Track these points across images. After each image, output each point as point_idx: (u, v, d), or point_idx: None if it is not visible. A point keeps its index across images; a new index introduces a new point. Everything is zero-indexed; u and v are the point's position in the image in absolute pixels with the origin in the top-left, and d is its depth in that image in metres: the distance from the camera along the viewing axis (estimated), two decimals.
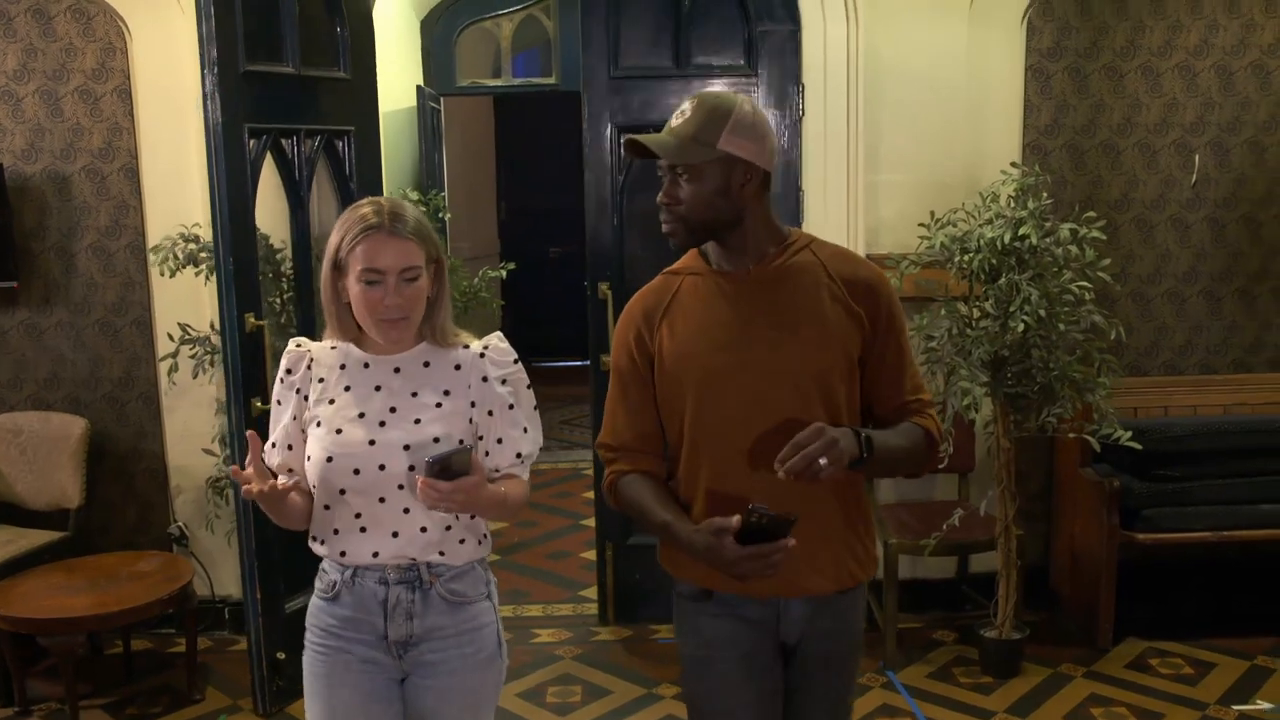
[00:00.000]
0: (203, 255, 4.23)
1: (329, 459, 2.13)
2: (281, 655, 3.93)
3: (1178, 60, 4.63)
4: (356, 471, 2.12)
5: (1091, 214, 4.01)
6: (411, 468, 2.11)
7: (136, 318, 4.62)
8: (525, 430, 2.25)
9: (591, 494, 5.78)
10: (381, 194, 4.49)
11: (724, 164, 2.09)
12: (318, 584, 2.27)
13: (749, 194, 2.12)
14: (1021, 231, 3.81)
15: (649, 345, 2.20)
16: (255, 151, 3.76)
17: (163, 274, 4.23)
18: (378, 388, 2.17)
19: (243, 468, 2.09)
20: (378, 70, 4.40)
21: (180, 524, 4.69)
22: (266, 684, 3.93)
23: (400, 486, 2.13)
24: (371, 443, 2.13)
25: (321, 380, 2.20)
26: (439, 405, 2.17)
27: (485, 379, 2.20)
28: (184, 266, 4.20)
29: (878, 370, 2.18)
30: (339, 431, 2.14)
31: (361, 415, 2.15)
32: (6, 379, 4.65)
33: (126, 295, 4.61)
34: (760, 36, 4.41)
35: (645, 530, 2.23)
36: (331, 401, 2.18)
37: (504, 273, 5.72)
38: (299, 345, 2.25)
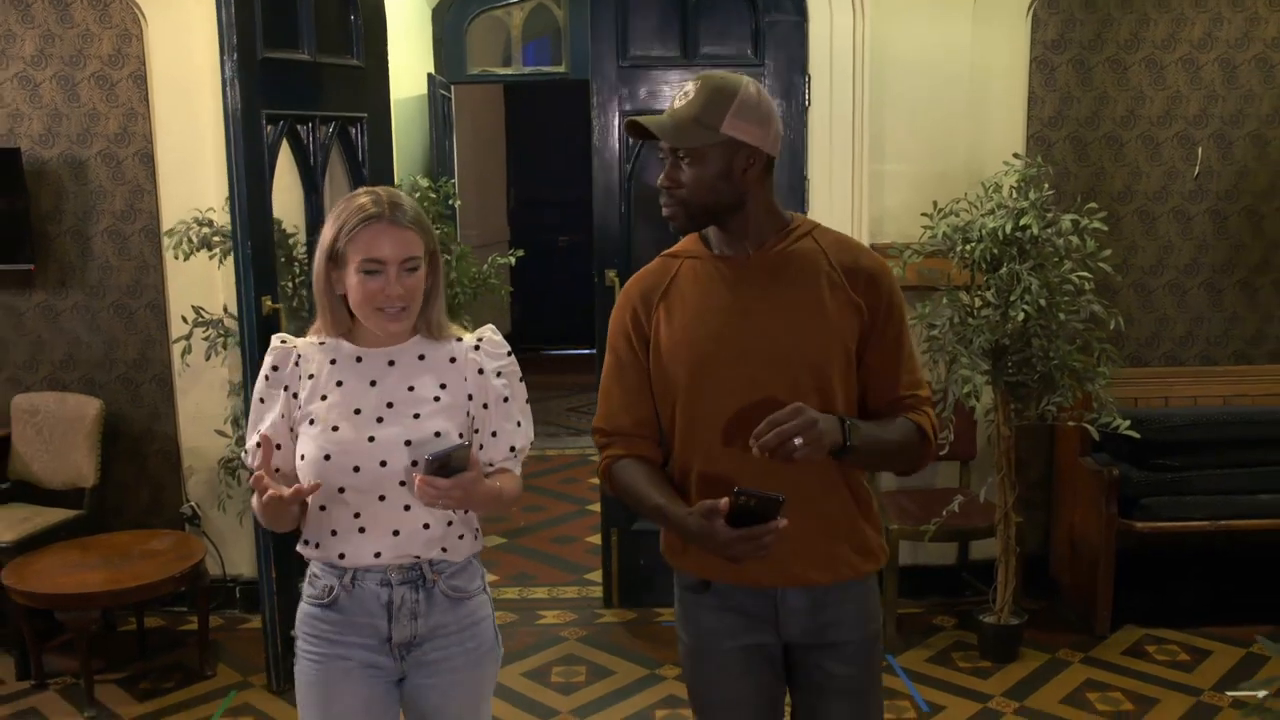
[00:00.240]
0: (216, 239, 4.30)
1: (326, 457, 2.07)
2: (295, 633, 4.00)
3: (1181, 53, 4.67)
4: (356, 469, 2.07)
5: (1093, 205, 4.05)
6: (415, 463, 2.07)
7: (151, 300, 4.70)
8: (519, 424, 2.21)
9: (597, 480, 5.85)
10: (393, 181, 4.57)
11: (726, 148, 2.04)
12: (308, 590, 2.19)
13: (751, 178, 2.08)
14: (1023, 222, 3.86)
15: (645, 329, 2.17)
16: (272, 137, 3.83)
17: (177, 257, 4.29)
18: (373, 383, 2.12)
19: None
20: (389, 58, 4.46)
21: (192, 504, 4.76)
22: (280, 662, 4.00)
23: (402, 483, 2.08)
24: (371, 439, 2.07)
25: (311, 376, 2.13)
26: (436, 399, 2.13)
27: (481, 371, 2.17)
28: (198, 250, 4.27)
29: (874, 362, 2.13)
30: (335, 429, 2.08)
31: (358, 411, 2.09)
32: (24, 360, 4.73)
33: (141, 278, 4.69)
34: (767, 27, 4.45)
35: (640, 514, 2.19)
36: (324, 398, 2.11)
37: (513, 259, 5.76)
38: (284, 341, 2.18)
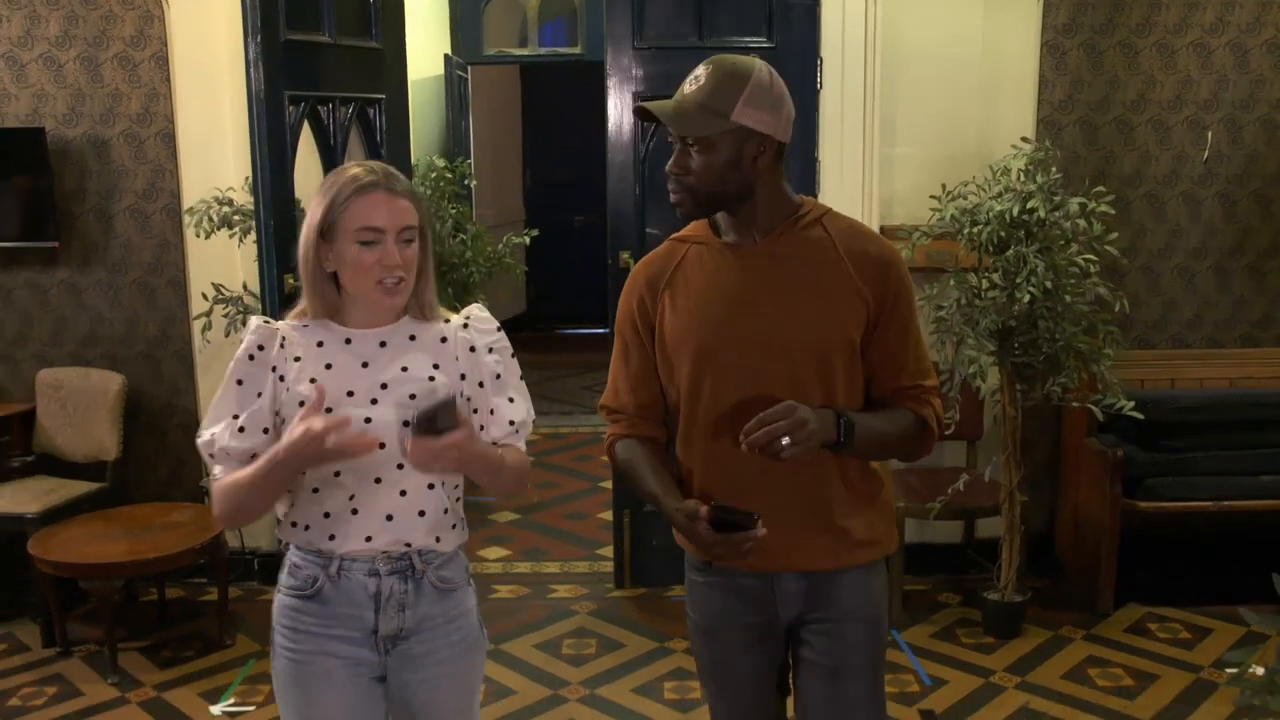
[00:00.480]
0: (236, 218, 4.38)
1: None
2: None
3: (1193, 37, 4.70)
4: (383, 446, 2.00)
5: (1100, 189, 4.09)
6: (406, 423, 1.99)
7: (171, 278, 4.79)
8: (512, 400, 2.16)
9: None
10: (410, 162, 4.64)
11: (736, 135, 2.00)
12: (288, 580, 2.11)
13: (762, 166, 2.05)
14: (1030, 205, 3.91)
15: (650, 314, 2.17)
16: (294, 118, 3.89)
17: (198, 235, 4.38)
18: (365, 364, 2.05)
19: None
20: (406, 39, 4.52)
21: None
22: None
23: (400, 466, 2.02)
24: (367, 420, 2.00)
25: (298, 359, 2.05)
26: (431, 379, 2.07)
27: (473, 349, 2.13)
28: (219, 229, 4.35)
29: (879, 351, 2.10)
30: (329, 411, 1.98)
31: (350, 393, 2.02)
32: (48, 336, 4.83)
33: (162, 256, 4.78)
34: (781, 10, 4.49)
35: (638, 495, 2.23)
36: (313, 381, 2.02)
37: (528, 239, 5.84)
38: (267, 322, 2.09)
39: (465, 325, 2.14)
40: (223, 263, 4.63)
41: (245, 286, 4.50)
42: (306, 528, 2.06)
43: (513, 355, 2.20)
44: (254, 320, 2.10)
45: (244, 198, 4.42)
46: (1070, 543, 4.80)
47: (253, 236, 4.31)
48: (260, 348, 2.05)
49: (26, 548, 4.17)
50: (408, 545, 2.06)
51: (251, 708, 3.91)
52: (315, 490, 2.03)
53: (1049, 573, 4.81)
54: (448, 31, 6.84)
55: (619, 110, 4.54)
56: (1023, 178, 4.07)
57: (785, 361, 2.06)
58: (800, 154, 4.50)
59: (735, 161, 2.03)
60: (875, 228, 4.52)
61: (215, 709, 3.89)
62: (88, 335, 4.83)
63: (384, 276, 2.00)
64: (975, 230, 4.02)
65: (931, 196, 4.18)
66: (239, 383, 2.04)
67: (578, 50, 7.37)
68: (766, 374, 2.06)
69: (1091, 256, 3.98)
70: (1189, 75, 4.72)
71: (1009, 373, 4.19)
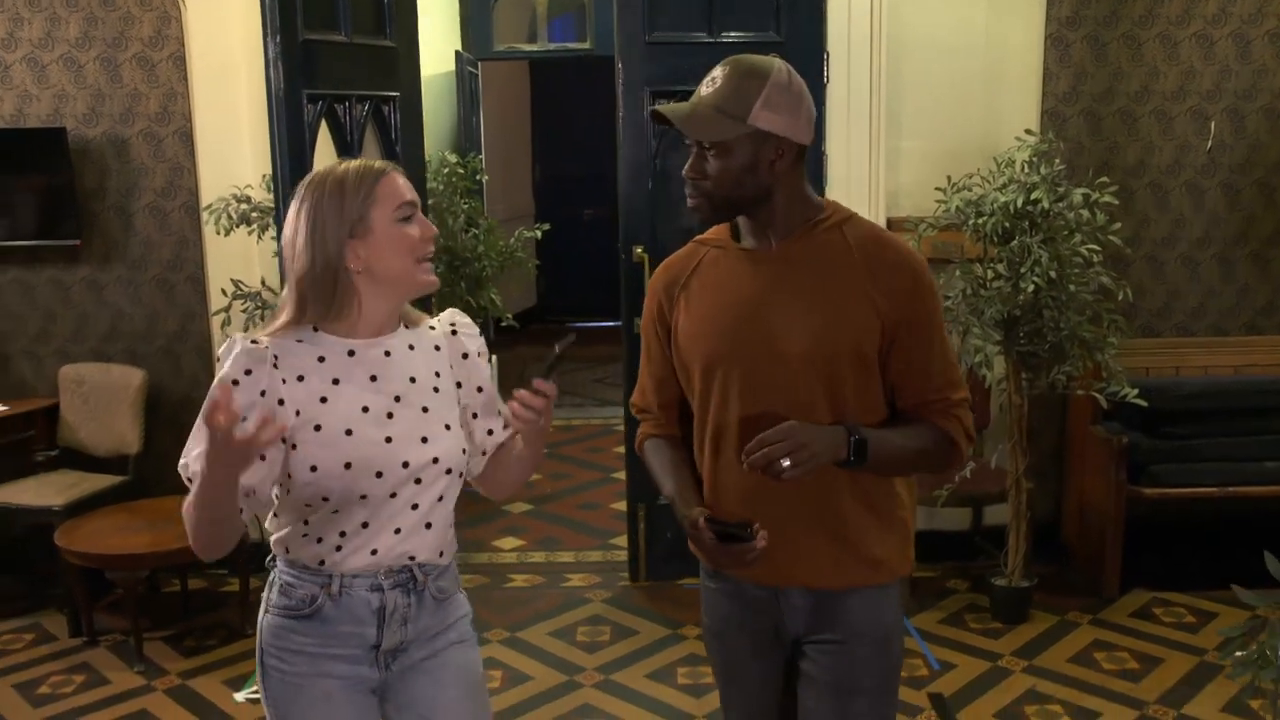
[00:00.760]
0: (254, 215, 4.46)
1: (347, 465, 1.91)
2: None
3: (1196, 29, 4.75)
4: (380, 474, 1.94)
5: (1104, 179, 4.15)
6: (436, 459, 1.99)
7: (190, 274, 4.87)
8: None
9: (622, 449, 6.01)
10: (424, 157, 4.71)
11: (754, 139, 1.95)
12: (280, 600, 2.01)
13: (780, 170, 1.99)
14: (1034, 196, 3.97)
15: (667, 316, 2.15)
16: (312, 116, 3.96)
17: (218, 232, 4.46)
18: (373, 377, 1.97)
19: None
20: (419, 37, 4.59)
21: None
22: None
23: (418, 480, 1.98)
24: (388, 439, 1.94)
25: (301, 378, 1.92)
26: (436, 390, 2.04)
27: (466, 355, 2.11)
28: (238, 225, 4.43)
29: (901, 363, 2.01)
30: (349, 432, 1.92)
31: (365, 410, 1.95)
32: (70, 332, 4.92)
33: (181, 253, 4.86)
34: (788, 5, 4.53)
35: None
36: (324, 400, 1.93)
37: (539, 233, 5.92)
38: (255, 342, 1.91)
39: (454, 332, 2.11)
40: (241, 259, 4.71)
41: (263, 282, 4.58)
42: (320, 540, 1.96)
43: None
44: (238, 343, 1.91)
45: (261, 195, 4.51)
46: (1076, 529, 4.87)
47: (270, 233, 4.40)
48: (247, 371, 1.88)
49: (53, 539, 4.27)
50: (411, 558, 2.01)
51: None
52: (336, 512, 1.95)
53: (1055, 559, 4.87)
54: (458, 28, 6.91)
55: (631, 105, 4.57)
56: (1027, 169, 4.14)
57: (789, 370, 2.00)
58: (809, 147, 4.55)
59: (752, 165, 1.97)
60: (882, 220, 4.59)
61: (239, 696, 3.98)
62: (109, 331, 4.92)
63: (424, 252, 1.96)
64: (980, 221, 4.08)
65: (937, 188, 4.25)
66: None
67: (587, 45, 7.45)
68: (772, 383, 2.01)
69: (1095, 246, 4.04)
70: (1192, 66, 4.77)
71: (1014, 362, 4.25)
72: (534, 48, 7.69)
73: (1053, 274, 3.97)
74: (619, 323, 4.87)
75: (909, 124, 4.69)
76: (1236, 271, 4.92)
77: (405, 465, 1.95)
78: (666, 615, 4.55)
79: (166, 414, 4.95)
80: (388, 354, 2.00)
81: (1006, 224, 4.04)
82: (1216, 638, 4.22)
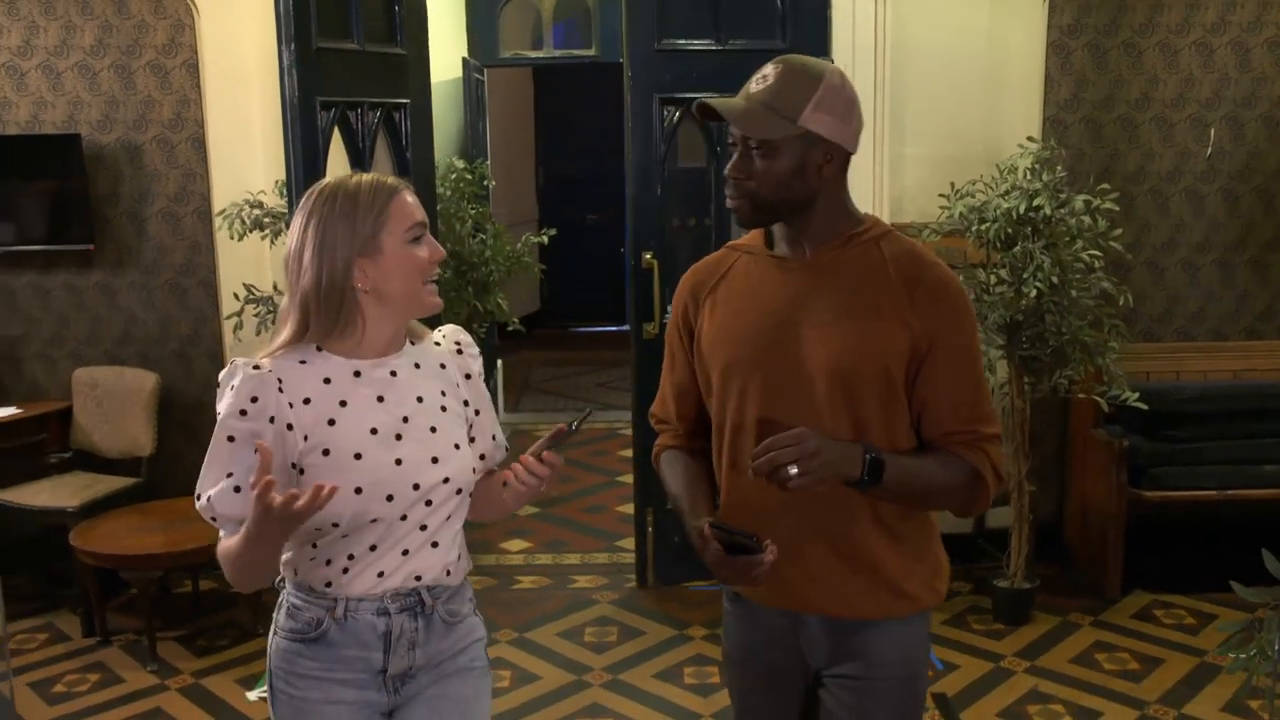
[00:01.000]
0: (267, 220, 4.52)
1: (358, 490, 1.86)
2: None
3: (1195, 37, 4.81)
4: (390, 498, 1.89)
5: (1105, 186, 4.22)
6: (446, 480, 1.95)
7: (203, 279, 4.94)
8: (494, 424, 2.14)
9: (627, 452, 6.06)
10: (434, 163, 4.77)
11: (803, 141, 1.88)
12: (288, 623, 1.97)
13: (826, 176, 1.91)
14: (1036, 202, 4.03)
15: (692, 321, 2.09)
16: (326, 123, 4.01)
17: (232, 237, 4.52)
18: (380, 398, 1.92)
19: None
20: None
21: None
22: None
23: (428, 502, 1.94)
24: (398, 462, 1.90)
25: (308, 401, 1.87)
26: (444, 409, 1.99)
27: (469, 376, 2.08)
28: (251, 230, 4.49)
29: (929, 388, 1.91)
30: (358, 456, 1.87)
31: (374, 431, 1.90)
32: (84, 336, 4.98)
33: (193, 258, 4.93)
34: (793, 11, 4.59)
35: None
36: (332, 422, 1.88)
37: (546, 238, 5.97)
38: (256, 368, 1.86)
39: (459, 350, 2.08)
40: (253, 263, 4.77)
41: (275, 286, 4.64)
42: (328, 563, 1.92)
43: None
44: (239, 369, 1.86)
45: (274, 200, 4.57)
46: (1078, 531, 4.92)
47: (283, 238, 4.45)
48: (254, 399, 1.83)
49: (68, 540, 4.33)
50: (418, 580, 1.97)
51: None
52: (345, 536, 1.90)
53: (1057, 561, 4.93)
54: (464, 35, 6.97)
55: (641, 111, 4.62)
56: (1029, 175, 4.20)
57: (810, 385, 1.92)
58: None
59: (800, 168, 1.90)
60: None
61: (251, 695, 4.03)
62: (122, 335, 4.99)
63: (431, 273, 1.93)
64: (983, 227, 4.14)
65: (940, 194, 4.31)
66: (230, 439, 1.84)
67: (592, 51, 7.50)
68: (791, 396, 1.94)
69: (1096, 252, 4.10)
70: (1191, 74, 4.83)
71: (1017, 366, 4.31)
72: (540, 54, 7.75)
73: (1055, 279, 4.03)
74: (623, 327, 4.91)
75: (912, 130, 4.75)
76: (1236, 277, 4.98)
77: (416, 487, 1.91)
78: (673, 616, 4.60)
79: (179, 417, 5.01)
80: (394, 374, 1.95)
81: (1009, 230, 4.10)
82: (1216, 639, 4.26)
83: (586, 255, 10.28)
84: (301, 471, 1.86)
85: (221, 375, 1.87)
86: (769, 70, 1.91)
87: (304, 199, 1.92)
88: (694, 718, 3.83)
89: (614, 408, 8.00)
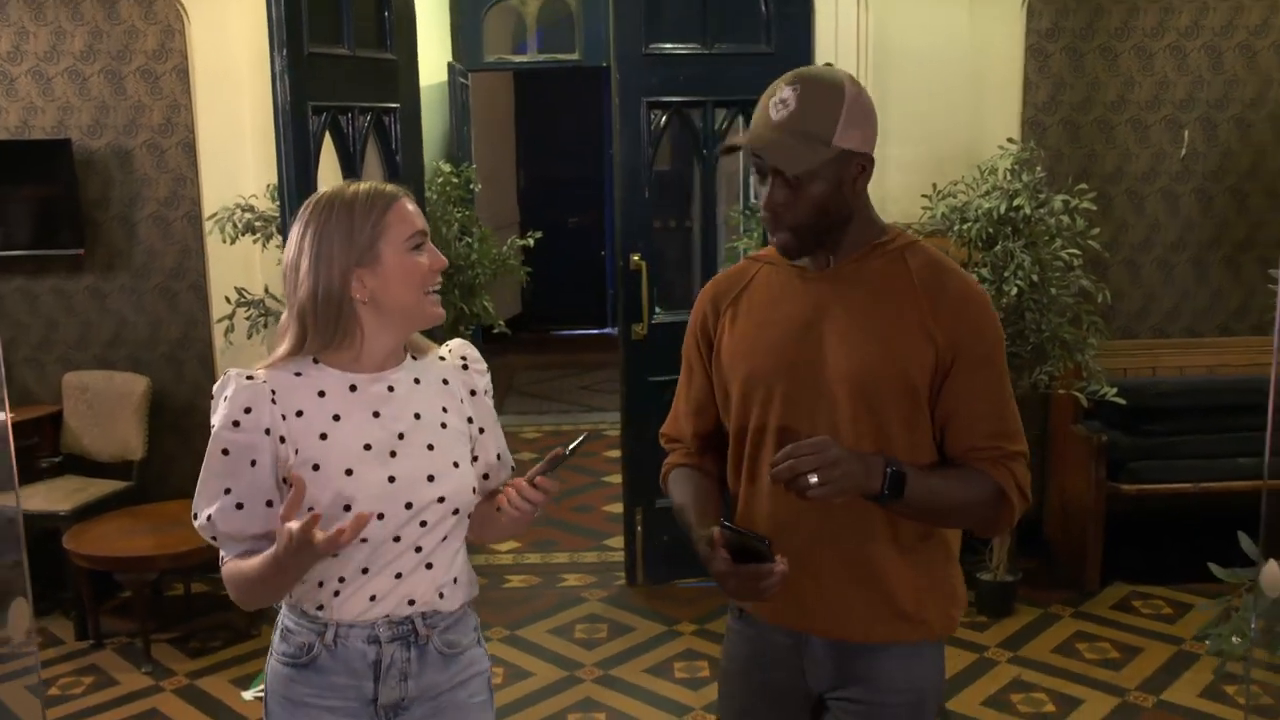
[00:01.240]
0: (258, 224, 4.56)
1: (346, 507, 1.80)
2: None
3: (1169, 40, 4.92)
4: (381, 516, 1.83)
5: (1083, 186, 4.32)
6: (442, 499, 1.88)
7: (193, 283, 4.97)
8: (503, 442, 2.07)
9: (612, 453, 6.14)
10: (423, 167, 4.82)
11: (838, 160, 1.82)
12: (281, 646, 1.93)
13: (859, 188, 1.88)
14: (1016, 202, 4.13)
15: (711, 332, 2.04)
16: (317, 127, 4.06)
17: (224, 241, 4.56)
18: (376, 413, 1.87)
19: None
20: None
21: None
22: None
23: (423, 523, 1.88)
24: (391, 479, 1.84)
25: (300, 414, 1.82)
26: (444, 425, 1.93)
27: (474, 393, 2.01)
28: (242, 234, 4.53)
29: (952, 403, 1.86)
30: (349, 472, 1.82)
31: (368, 447, 1.85)
32: (74, 340, 5.01)
33: (184, 261, 4.96)
34: (778, 18, 4.67)
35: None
36: (324, 436, 1.82)
37: (532, 241, 6.03)
38: (250, 378, 1.82)
39: (465, 366, 2.02)
40: (243, 267, 4.81)
41: (266, 289, 4.68)
42: (320, 585, 1.86)
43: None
44: (233, 379, 1.83)
45: (265, 204, 4.61)
46: (1058, 525, 5.02)
47: (275, 242, 4.50)
48: (247, 410, 1.79)
49: (61, 544, 4.35)
50: (411, 604, 1.90)
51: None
52: (334, 556, 1.82)
53: (1038, 554, 5.02)
54: (449, 40, 7.01)
55: (629, 114, 4.68)
56: (1009, 176, 4.29)
57: (832, 397, 1.88)
58: None
59: (837, 188, 1.84)
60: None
61: (247, 694, 4.07)
62: (112, 339, 5.01)
63: (433, 283, 1.88)
64: (965, 227, 4.23)
65: (923, 195, 4.40)
66: (224, 452, 1.80)
67: (575, 55, 7.55)
68: (813, 408, 1.89)
69: (1075, 251, 4.20)
70: (1166, 77, 4.94)
71: None
72: (524, 59, 7.81)
73: (1035, 278, 4.12)
74: (605, 329, 4.97)
75: (895, 132, 4.80)
76: (1210, 275, 5.09)
77: (409, 506, 1.85)
78: (662, 613, 4.67)
79: (169, 420, 5.04)
80: (391, 389, 1.89)
81: (990, 229, 4.19)
82: (1193, 628, 4.37)
83: (568, 258, 10.32)
84: (291, 487, 1.78)
85: (216, 386, 1.84)
86: (786, 94, 1.82)
87: (301, 209, 1.88)
88: (685, 710, 3.90)
89: (597, 410, 8.07)
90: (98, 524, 4.49)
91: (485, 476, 2.01)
